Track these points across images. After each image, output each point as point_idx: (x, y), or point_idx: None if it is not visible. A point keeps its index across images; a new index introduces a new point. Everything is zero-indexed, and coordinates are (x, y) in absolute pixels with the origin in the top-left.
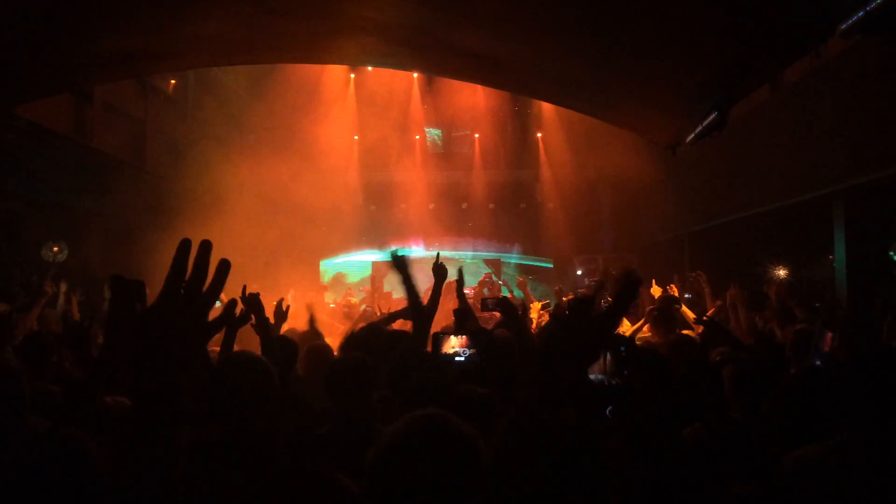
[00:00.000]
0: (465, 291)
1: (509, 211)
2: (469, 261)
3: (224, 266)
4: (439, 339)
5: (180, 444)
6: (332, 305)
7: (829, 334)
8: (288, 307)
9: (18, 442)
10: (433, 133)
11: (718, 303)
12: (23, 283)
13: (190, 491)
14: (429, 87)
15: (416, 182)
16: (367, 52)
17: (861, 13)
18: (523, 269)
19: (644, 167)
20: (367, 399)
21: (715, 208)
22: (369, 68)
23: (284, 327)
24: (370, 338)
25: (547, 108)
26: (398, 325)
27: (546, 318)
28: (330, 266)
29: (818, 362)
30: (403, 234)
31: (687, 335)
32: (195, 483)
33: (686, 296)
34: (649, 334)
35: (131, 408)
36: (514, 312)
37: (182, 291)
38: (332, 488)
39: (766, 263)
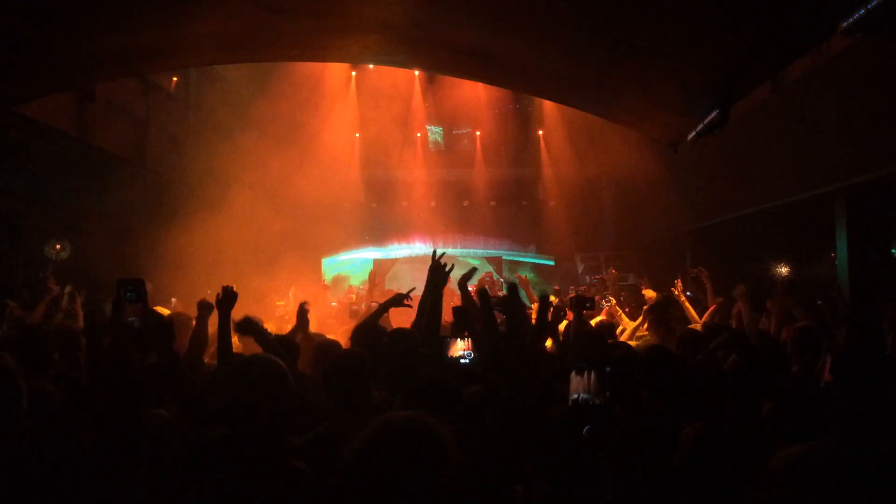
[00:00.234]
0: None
1: (510, 208)
2: (472, 260)
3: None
4: (444, 342)
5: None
6: (334, 304)
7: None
8: (306, 307)
9: (13, 440)
10: (434, 130)
11: (720, 299)
12: (24, 281)
13: (197, 489)
14: (430, 85)
15: (417, 179)
16: (369, 50)
17: (862, 11)
18: (525, 267)
19: (645, 165)
20: (366, 396)
21: (716, 206)
22: (371, 66)
23: (287, 328)
24: (370, 336)
25: (548, 106)
26: (401, 321)
27: None
28: (333, 264)
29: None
30: (405, 232)
31: (695, 329)
32: (201, 482)
33: (687, 294)
34: (648, 334)
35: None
36: (517, 315)
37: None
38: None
39: (767, 261)
